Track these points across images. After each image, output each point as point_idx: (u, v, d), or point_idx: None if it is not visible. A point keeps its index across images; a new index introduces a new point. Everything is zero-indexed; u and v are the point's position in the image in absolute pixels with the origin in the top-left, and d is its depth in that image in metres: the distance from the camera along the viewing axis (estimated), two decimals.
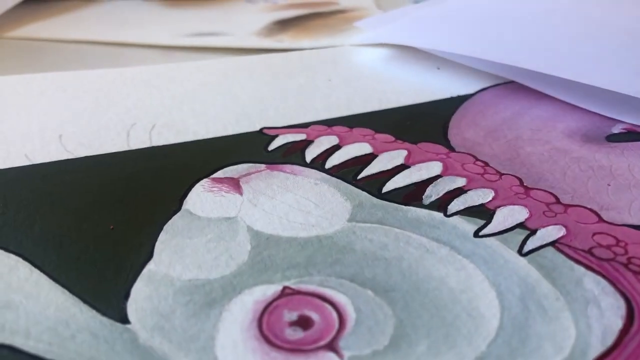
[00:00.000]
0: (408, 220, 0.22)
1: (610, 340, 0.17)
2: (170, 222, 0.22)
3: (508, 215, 0.22)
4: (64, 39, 0.46)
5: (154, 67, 0.37)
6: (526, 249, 0.20)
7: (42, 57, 0.43)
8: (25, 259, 0.20)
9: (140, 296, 0.19)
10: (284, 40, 0.43)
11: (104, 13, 0.54)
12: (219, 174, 0.25)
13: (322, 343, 0.17)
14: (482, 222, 0.22)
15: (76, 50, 0.44)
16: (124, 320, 0.18)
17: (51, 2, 0.55)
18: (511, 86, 0.32)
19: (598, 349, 0.17)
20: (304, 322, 0.18)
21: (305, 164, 0.25)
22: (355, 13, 0.51)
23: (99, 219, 0.22)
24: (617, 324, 0.18)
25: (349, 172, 0.25)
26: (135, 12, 0.54)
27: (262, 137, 0.28)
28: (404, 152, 0.26)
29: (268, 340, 0.17)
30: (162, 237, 0.21)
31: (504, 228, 0.21)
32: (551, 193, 0.23)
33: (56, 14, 0.53)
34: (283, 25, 0.48)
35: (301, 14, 0.51)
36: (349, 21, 0.48)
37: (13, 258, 0.20)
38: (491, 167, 0.25)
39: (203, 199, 0.23)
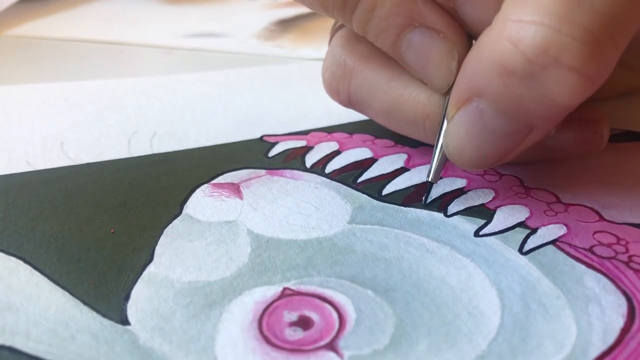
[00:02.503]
0: (408, 221, 0.22)
1: (611, 338, 0.17)
2: (170, 225, 0.22)
3: (508, 215, 0.22)
4: (63, 37, 0.47)
5: (155, 78, 0.37)
6: (527, 247, 0.20)
7: (41, 55, 0.43)
8: (25, 261, 0.20)
9: (141, 298, 0.19)
10: (284, 45, 0.44)
11: (103, 11, 0.54)
12: (220, 179, 0.25)
13: (322, 343, 0.17)
14: (482, 221, 0.22)
15: (75, 48, 0.45)
16: (124, 321, 0.18)
17: (51, 0, 0.56)
18: None
19: (599, 347, 0.17)
20: (304, 322, 0.18)
21: (305, 169, 0.26)
22: None
23: (100, 222, 0.22)
24: (618, 322, 0.18)
25: (349, 176, 0.25)
26: (135, 10, 0.54)
27: (262, 144, 0.28)
28: (404, 156, 0.26)
29: (268, 341, 0.17)
30: (163, 240, 0.21)
31: (505, 227, 0.21)
32: (552, 192, 0.23)
33: (55, 12, 0.53)
34: (283, 26, 0.48)
35: (301, 12, 0.51)
36: None
37: (14, 260, 0.20)
38: (491, 168, 0.25)
39: (203, 203, 0.23)
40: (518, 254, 0.20)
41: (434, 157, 0.23)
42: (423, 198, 0.23)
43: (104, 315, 0.18)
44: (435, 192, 0.23)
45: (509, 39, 0.18)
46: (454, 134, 0.21)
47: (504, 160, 0.21)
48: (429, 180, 0.23)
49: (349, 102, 0.26)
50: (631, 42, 0.20)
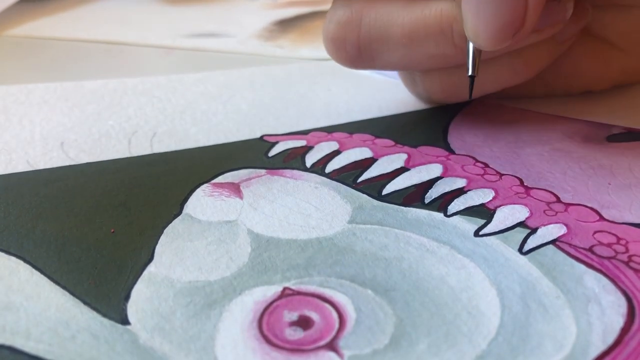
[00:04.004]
0: (408, 221, 0.22)
1: (611, 338, 0.17)
2: (170, 225, 0.22)
3: (508, 215, 0.22)
4: (63, 37, 0.47)
5: (155, 78, 0.37)
6: (526, 247, 0.20)
7: (41, 56, 0.43)
8: (25, 261, 0.20)
9: (141, 297, 0.19)
10: (284, 45, 0.44)
11: (103, 11, 0.55)
12: (220, 179, 0.25)
13: (322, 343, 0.17)
14: (482, 221, 0.22)
15: (75, 48, 0.45)
16: (125, 321, 0.18)
17: (51, 0, 0.56)
18: None
19: (599, 347, 0.17)
20: (304, 322, 0.18)
21: (305, 169, 0.26)
22: None
23: (100, 222, 0.22)
24: (618, 322, 0.18)
25: (349, 175, 0.25)
26: (135, 10, 0.54)
27: (262, 143, 0.28)
28: (404, 156, 0.26)
29: (268, 340, 0.17)
30: (163, 240, 0.21)
31: (505, 227, 0.21)
32: (552, 192, 0.23)
33: (55, 12, 0.53)
34: (283, 26, 0.48)
35: (301, 12, 0.51)
36: None
37: (14, 260, 0.20)
38: (491, 168, 0.25)
39: (203, 203, 0.23)
40: (518, 253, 0.20)
41: (468, 53, 0.24)
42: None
43: (104, 315, 0.18)
44: (435, 192, 0.23)
45: None
46: (466, 17, 0.22)
47: (522, 35, 0.22)
48: (470, 74, 0.24)
49: (357, 50, 0.26)
50: (622, 25, 0.21)
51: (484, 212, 0.22)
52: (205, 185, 0.24)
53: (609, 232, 0.21)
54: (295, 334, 0.17)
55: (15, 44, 0.46)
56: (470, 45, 0.24)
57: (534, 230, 0.21)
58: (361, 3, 0.25)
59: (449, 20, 0.24)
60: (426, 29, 0.24)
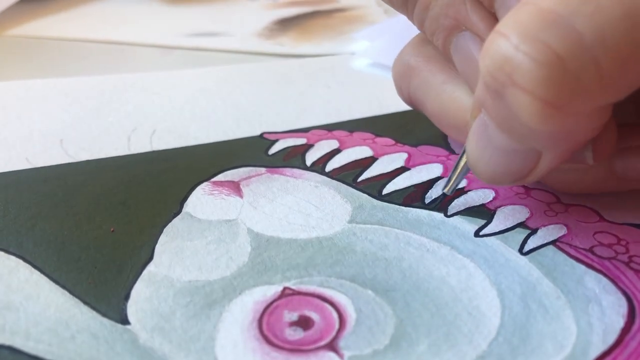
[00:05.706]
0: (408, 221, 0.22)
1: (611, 338, 0.17)
2: (170, 224, 0.22)
3: (509, 215, 0.22)
4: (64, 37, 0.47)
5: (155, 73, 0.37)
6: (527, 248, 0.20)
7: (42, 55, 0.43)
8: (25, 260, 0.20)
9: (141, 297, 0.19)
10: (285, 43, 0.44)
11: (104, 11, 0.55)
12: (220, 177, 0.25)
13: (323, 343, 0.17)
14: (482, 222, 0.22)
15: (76, 48, 0.45)
16: (124, 321, 0.18)
17: (51, 0, 0.56)
18: None
19: (599, 347, 0.17)
20: (304, 322, 0.18)
21: (305, 168, 0.26)
22: (356, 12, 0.51)
23: (99, 221, 0.22)
24: (619, 322, 0.18)
25: (349, 174, 0.25)
26: (136, 10, 0.54)
27: (262, 141, 0.28)
28: (405, 155, 0.26)
29: (268, 341, 0.17)
30: (163, 239, 0.21)
31: (505, 227, 0.21)
32: (552, 193, 0.23)
33: (56, 12, 0.53)
34: (284, 25, 0.48)
35: (302, 12, 0.51)
36: (350, 21, 0.48)
37: (13, 259, 0.20)
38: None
39: (203, 201, 0.23)
40: (518, 254, 0.20)
41: (454, 168, 0.22)
42: (429, 200, 0.23)
43: (104, 315, 0.18)
44: (436, 192, 0.23)
45: (482, 51, 0.17)
46: (468, 144, 0.19)
47: (523, 182, 0.19)
48: (443, 191, 0.22)
49: (409, 101, 0.25)
50: None
51: (484, 213, 0.22)
52: (205, 183, 0.24)
53: (610, 233, 0.21)
54: (295, 334, 0.17)
55: (15, 44, 0.46)
56: (461, 164, 0.22)
57: (534, 231, 0.21)
58: (417, 61, 0.24)
59: (463, 121, 0.21)
60: (446, 117, 0.23)
